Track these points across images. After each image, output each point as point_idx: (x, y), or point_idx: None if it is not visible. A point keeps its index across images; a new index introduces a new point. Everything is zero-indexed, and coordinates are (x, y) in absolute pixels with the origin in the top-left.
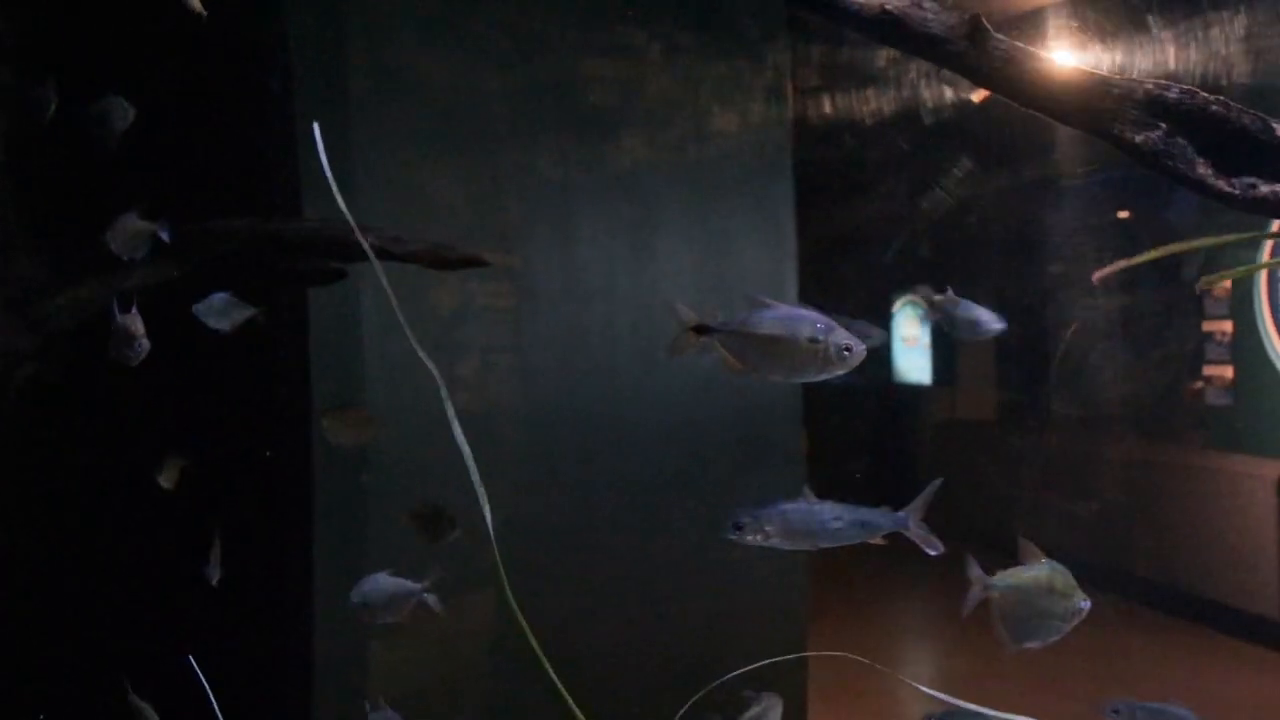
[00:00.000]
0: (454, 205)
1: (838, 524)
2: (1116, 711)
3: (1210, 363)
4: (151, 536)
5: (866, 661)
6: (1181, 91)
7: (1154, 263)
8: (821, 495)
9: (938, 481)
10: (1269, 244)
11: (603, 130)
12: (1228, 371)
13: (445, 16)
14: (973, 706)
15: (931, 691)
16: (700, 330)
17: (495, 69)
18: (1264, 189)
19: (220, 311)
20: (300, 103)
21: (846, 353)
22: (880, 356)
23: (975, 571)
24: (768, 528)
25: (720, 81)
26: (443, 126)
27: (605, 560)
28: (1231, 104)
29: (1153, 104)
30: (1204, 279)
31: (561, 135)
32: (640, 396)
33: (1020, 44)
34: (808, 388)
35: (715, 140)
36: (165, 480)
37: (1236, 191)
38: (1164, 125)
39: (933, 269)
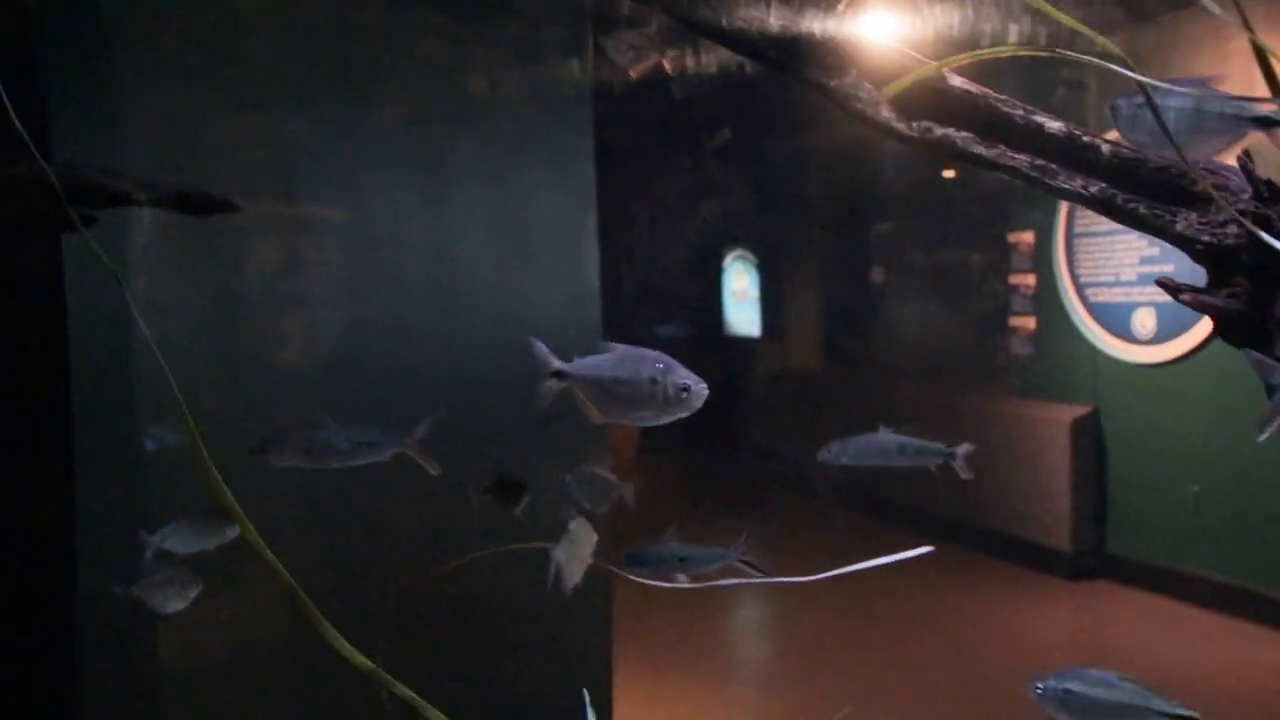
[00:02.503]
0: (233, 151)
1: (346, 445)
2: (828, 451)
3: (1015, 314)
4: None
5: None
6: (869, 41)
7: (968, 221)
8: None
9: (441, 410)
10: (1065, 204)
11: (393, 79)
12: (1030, 323)
13: None
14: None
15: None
16: (555, 374)
17: (276, 10)
18: (938, 132)
19: None
20: (49, 41)
21: (684, 393)
22: (713, 310)
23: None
24: (286, 450)
25: (518, 33)
26: (220, 69)
27: (398, 517)
28: (912, 54)
29: (844, 52)
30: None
31: (350, 83)
32: (433, 348)
33: None
34: (635, 342)
35: (513, 92)
36: None
37: (915, 134)
38: (854, 71)
39: (761, 226)
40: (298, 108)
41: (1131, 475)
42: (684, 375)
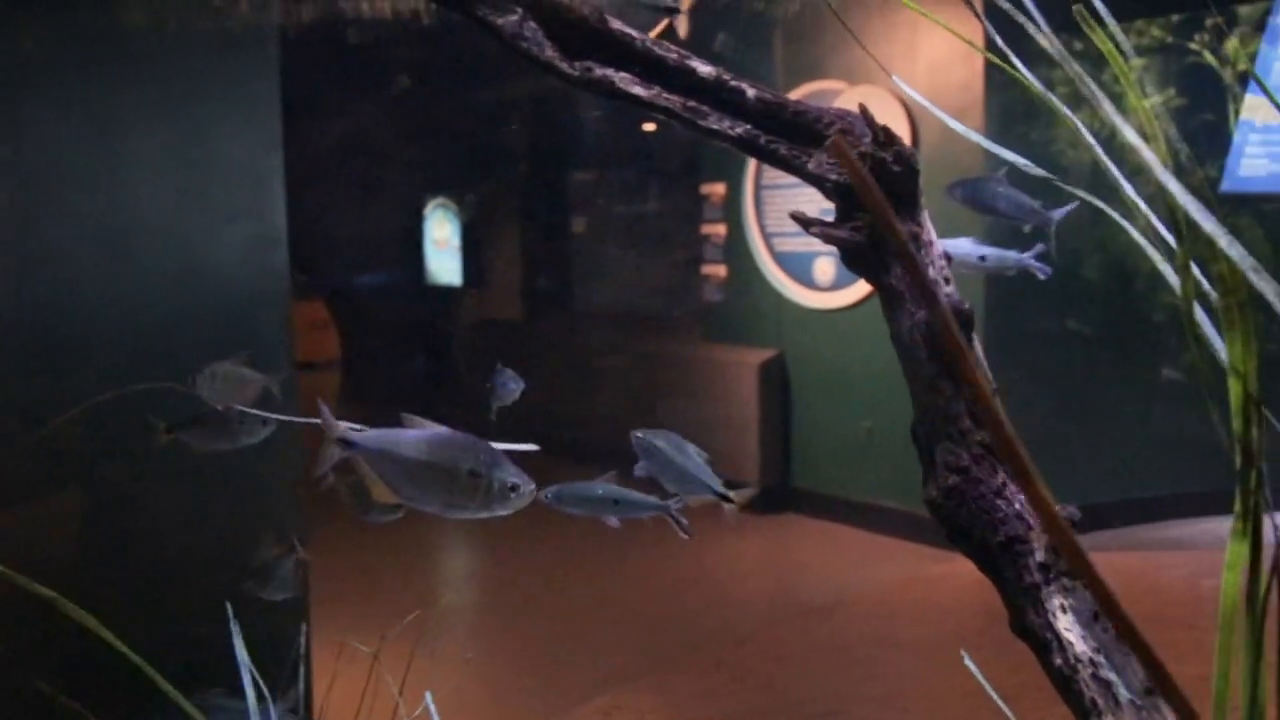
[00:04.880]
0: None
1: None
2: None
3: (707, 262)
4: None
5: None
6: None
7: (665, 172)
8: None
9: None
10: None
11: (53, 6)
12: (721, 270)
13: None
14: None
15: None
16: (344, 443)
17: None
18: (599, 72)
19: None
20: None
21: (513, 492)
22: (412, 258)
23: None
24: None
25: None
26: None
27: (78, 466)
28: None
29: None
30: None
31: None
32: (104, 289)
33: None
34: (326, 289)
35: (187, 24)
36: None
37: (576, 73)
38: (520, 10)
39: (465, 174)
40: None
41: (813, 414)
42: (512, 471)
